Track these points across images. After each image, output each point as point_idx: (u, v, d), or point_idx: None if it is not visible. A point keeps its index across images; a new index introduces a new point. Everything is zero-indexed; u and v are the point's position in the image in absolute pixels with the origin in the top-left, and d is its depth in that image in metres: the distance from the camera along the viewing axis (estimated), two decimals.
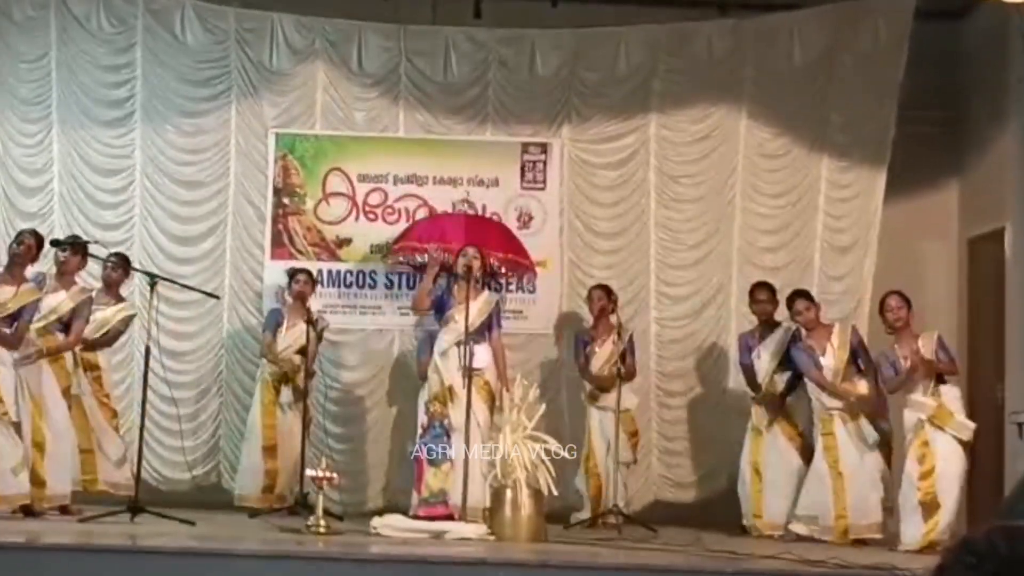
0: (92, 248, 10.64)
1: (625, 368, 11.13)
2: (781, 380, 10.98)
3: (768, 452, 10.89)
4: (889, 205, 12.21)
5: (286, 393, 11.17)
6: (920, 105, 12.19)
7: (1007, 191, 11.79)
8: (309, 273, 11.56)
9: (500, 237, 11.84)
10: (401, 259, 11.90)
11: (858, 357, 10.65)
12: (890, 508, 10.30)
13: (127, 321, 10.97)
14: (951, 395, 10.07)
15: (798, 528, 10.48)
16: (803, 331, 10.80)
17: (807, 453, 10.70)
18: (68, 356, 10.34)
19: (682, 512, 11.80)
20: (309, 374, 11.21)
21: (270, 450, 11.16)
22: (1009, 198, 11.74)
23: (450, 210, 12.21)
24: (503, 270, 11.79)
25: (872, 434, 10.37)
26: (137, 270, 11.18)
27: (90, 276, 11.03)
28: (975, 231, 12.49)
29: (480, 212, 12.26)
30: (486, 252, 11.15)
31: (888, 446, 10.51)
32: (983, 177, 12.40)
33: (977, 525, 2.40)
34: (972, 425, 9.97)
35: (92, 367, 10.71)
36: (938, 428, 9.91)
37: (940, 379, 10.10)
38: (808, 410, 10.76)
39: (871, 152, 12.16)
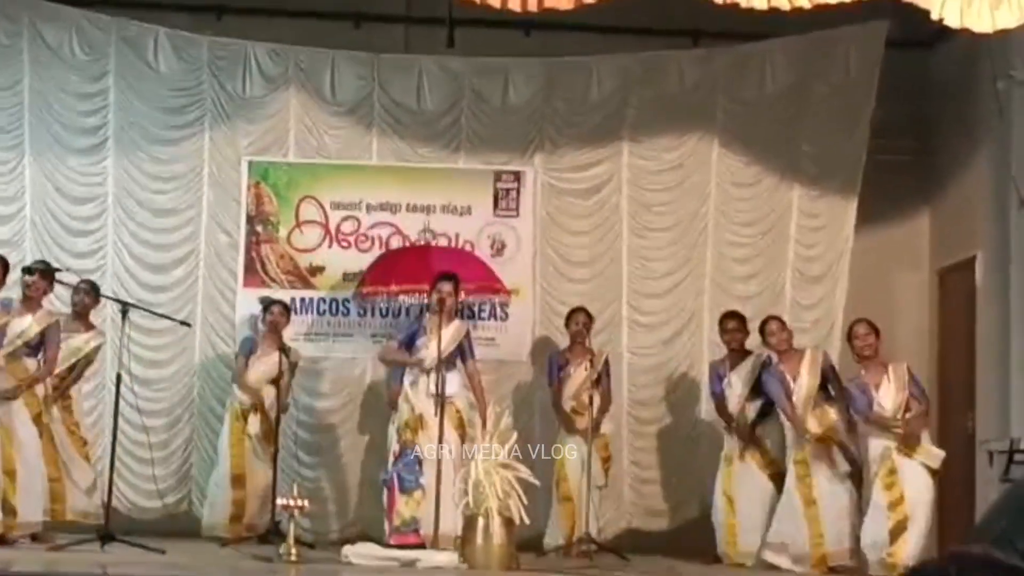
0: (62, 275, 10.60)
1: (600, 396, 11.20)
2: (753, 408, 11.00)
3: (741, 481, 10.89)
4: (860, 234, 12.26)
5: (254, 423, 11.15)
6: (891, 134, 12.25)
7: (978, 220, 11.85)
8: (284, 305, 11.56)
9: (469, 266, 11.81)
10: (367, 299, 11.92)
11: (828, 382, 10.68)
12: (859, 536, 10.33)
13: (98, 350, 10.94)
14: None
15: (768, 556, 10.49)
16: (774, 357, 10.83)
17: (780, 481, 10.70)
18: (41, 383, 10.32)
19: (654, 541, 11.79)
20: (283, 408, 11.20)
21: (238, 479, 11.13)
22: (980, 227, 11.79)
23: (421, 239, 12.20)
24: (475, 300, 11.80)
25: (843, 463, 10.40)
26: (109, 298, 11.15)
27: (59, 301, 10.98)
28: (946, 260, 12.54)
29: (453, 240, 12.28)
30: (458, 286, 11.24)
31: (859, 474, 10.52)
32: (954, 206, 12.45)
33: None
34: (941, 453, 10.03)
35: (63, 396, 10.66)
36: (905, 456, 9.96)
37: (907, 407, 10.16)
38: (780, 437, 10.78)
39: (842, 181, 12.21)
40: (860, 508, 10.39)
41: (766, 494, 10.77)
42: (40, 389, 10.25)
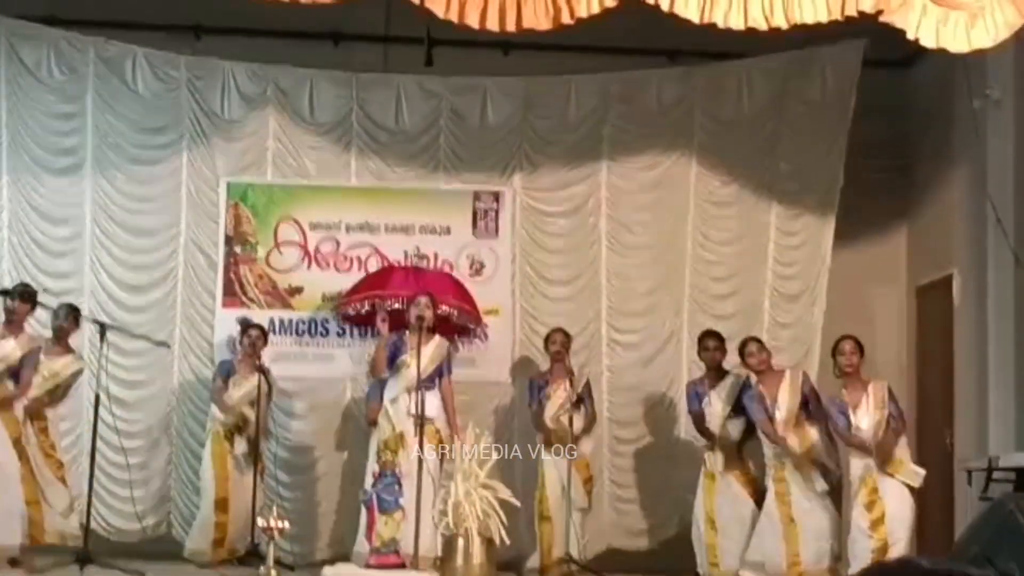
0: (42, 297, 10.57)
1: (584, 416, 11.25)
2: (734, 426, 10.97)
3: (723, 499, 10.87)
4: (838, 252, 12.29)
5: (240, 444, 11.12)
6: (868, 153, 12.32)
7: (955, 238, 11.89)
8: (262, 328, 11.55)
9: (449, 287, 11.79)
10: (350, 312, 11.83)
11: (808, 403, 10.68)
12: (839, 555, 10.32)
13: (77, 375, 10.88)
14: (900, 442, 10.16)
15: (746, 574, 10.50)
16: (753, 378, 10.82)
17: (760, 499, 10.70)
18: (19, 406, 10.28)
19: (635, 560, 11.78)
20: (264, 433, 11.25)
21: (221, 503, 11.08)
22: (957, 245, 11.83)
23: (402, 259, 12.20)
24: (455, 315, 11.73)
25: (821, 482, 10.39)
26: (87, 319, 11.12)
27: (38, 324, 10.95)
28: (924, 278, 12.58)
29: (432, 260, 12.26)
30: (439, 299, 11.15)
31: (838, 493, 10.52)
32: (931, 224, 12.50)
33: None
34: (921, 472, 10.05)
35: (39, 417, 10.61)
36: (888, 475, 9.98)
37: (887, 425, 10.19)
38: (762, 455, 10.78)
39: (820, 200, 12.25)
40: (840, 527, 10.41)
41: (747, 512, 10.75)
42: (19, 412, 10.23)
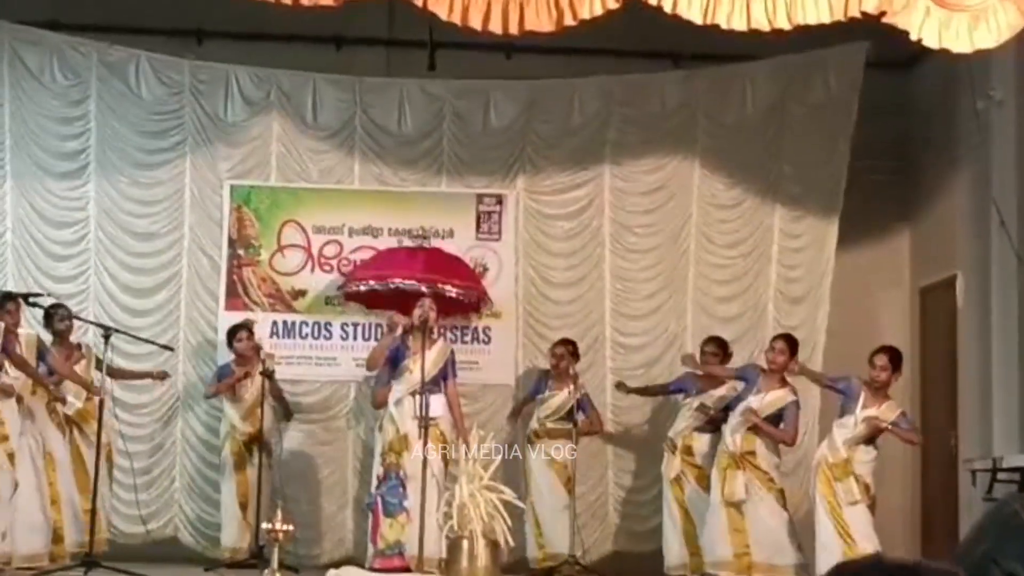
0: (34, 299, 10.56)
1: (590, 423, 11.50)
2: (700, 438, 11.09)
3: (689, 496, 11.05)
4: (841, 253, 12.29)
5: (256, 454, 11.15)
6: (871, 155, 12.31)
7: (958, 240, 11.88)
8: (248, 328, 11.56)
9: (454, 266, 11.80)
10: (356, 287, 11.84)
11: (782, 418, 10.74)
12: (804, 564, 10.39)
13: (100, 363, 10.89)
14: (865, 456, 10.19)
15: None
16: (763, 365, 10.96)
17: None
18: (62, 409, 10.37)
19: (640, 563, 11.78)
20: (288, 414, 11.55)
21: (244, 505, 11.17)
22: (960, 247, 11.83)
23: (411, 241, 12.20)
24: (461, 298, 11.74)
25: (764, 482, 10.50)
26: (91, 322, 11.13)
27: (36, 322, 10.98)
28: (927, 279, 12.58)
29: None
30: (445, 281, 11.25)
31: (782, 495, 10.61)
32: (934, 226, 12.50)
33: None
34: (857, 496, 10.07)
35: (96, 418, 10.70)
36: (836, 479, 10.07)
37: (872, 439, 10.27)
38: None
39: (823, 202, 12.24)
40: (793, 530, 10.52)
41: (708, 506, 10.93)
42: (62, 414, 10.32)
